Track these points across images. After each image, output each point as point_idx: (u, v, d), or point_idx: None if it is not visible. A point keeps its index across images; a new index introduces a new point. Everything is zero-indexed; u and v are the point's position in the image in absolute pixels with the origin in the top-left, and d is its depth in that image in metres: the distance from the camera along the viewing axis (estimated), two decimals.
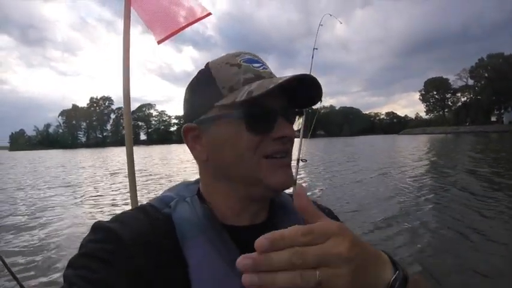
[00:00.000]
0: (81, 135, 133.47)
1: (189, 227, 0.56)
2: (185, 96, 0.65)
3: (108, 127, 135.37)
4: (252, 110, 0.56)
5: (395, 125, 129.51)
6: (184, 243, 0.54)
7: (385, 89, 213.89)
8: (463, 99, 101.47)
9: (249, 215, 0.62)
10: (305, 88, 0.59)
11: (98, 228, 0.54)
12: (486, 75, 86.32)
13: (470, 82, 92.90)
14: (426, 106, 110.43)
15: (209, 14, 1.97)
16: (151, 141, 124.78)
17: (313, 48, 3.58)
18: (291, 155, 0.61)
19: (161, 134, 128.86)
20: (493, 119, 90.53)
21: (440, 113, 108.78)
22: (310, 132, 3.57)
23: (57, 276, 4.07)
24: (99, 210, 7.93)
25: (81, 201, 9.25)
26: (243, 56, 0.61)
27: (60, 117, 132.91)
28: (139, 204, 0.67)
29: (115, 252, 0.49)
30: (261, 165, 0.57)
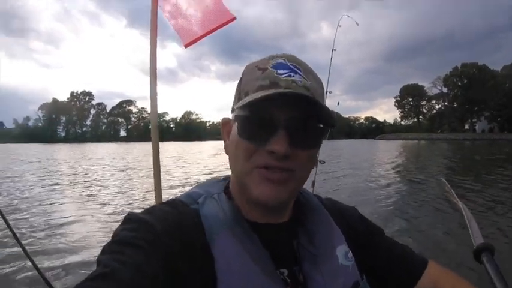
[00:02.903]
0: (60, 130, 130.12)
1: (216, 223, 0.57)
2: None
3: (88, 122, 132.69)
4: (243, 115, 0.57)
5: (374, 129, 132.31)
6: (211, 237, 0.55)
7: (367, 94, 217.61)
8: (437, 107, 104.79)
9: (266, 215, 0.63)
10: (322, 110, 0.56)
11: (130, 218, 0.56)
12: (459, 84, 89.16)
13: (446, 90, 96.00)
14: (401, 112, 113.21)
15: (234, 18, 2.01)
16: (130, 138, 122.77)
17: (332, 50, 3.41)
18: (294, 173, 0.58)
19: (141, 131, 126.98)
20: (467, 127, 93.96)
21: (415, 119, 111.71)
22: (326, 136, 3.67)
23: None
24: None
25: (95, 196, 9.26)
26: (277, 59, 0.60)
27: (39, 110, 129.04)
28: (163, 200, 0.71)
29: (148, 240, 0.51)
30: (252, 173, 0.57)
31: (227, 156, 0.64)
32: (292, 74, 0.58)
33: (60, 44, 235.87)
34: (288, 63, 0.59)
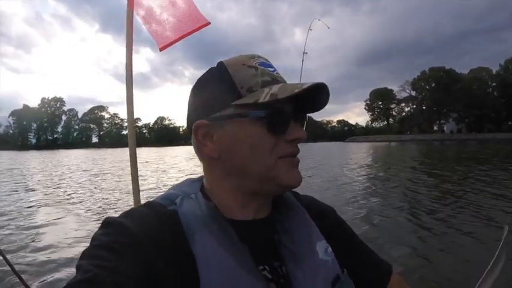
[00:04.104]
0: (31, 137, 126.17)
1: (195, 222, 0.58)
2: (193, 94, 0.67)
3: (59, 129, 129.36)
4: (273, 111, 0.58)
5: (346, 132, 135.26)
6: (191, 236, 0.56)
7: (340, 97, 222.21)
8: (406, 109, 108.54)
9: (253, 210, 0.65)
10: (312, 95, 0.62)
11: (109, 222, 0.56)
12: (427, 87, 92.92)
13: (414, 93, 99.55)
14: (371, 115, 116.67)
15: (208, 23, 2.07)
16: (103, 144, 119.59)
17: (303, 53, 3.42)
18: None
19: (113, 137, 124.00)
20: (436, 128, 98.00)
21: (385, 122, 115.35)
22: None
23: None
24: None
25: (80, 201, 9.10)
26: (258, 59, 0.64)
27: (10, 117, 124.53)
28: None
29: (126, 244, 0.51)
30: (277, 165, 0.60)
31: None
32: (277, 71, 0.64)
33: (31, 48, 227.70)
34: (268, 62, 0.65)
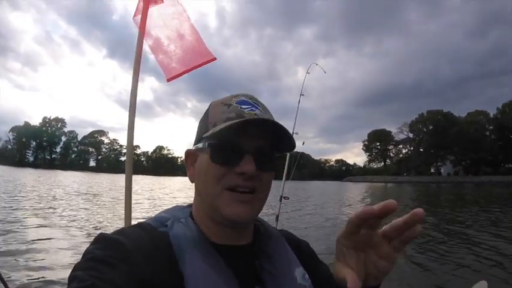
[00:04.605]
0: (29, 154, 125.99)
1: (185, 244, 0.61)
2: None
3: (58, 149, 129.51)
4: (215, 143, 0.64)
5: (343, 172, 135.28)
6: (181, 256, 0.59)
7: (340, 137, 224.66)
8: (404, 151, 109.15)
9: (232, 237, 0.68)
10: (285, 134, 0.66)
11: (102, 238, 0.58)
12: (425, 129, 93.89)
13: (412, 135, 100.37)
14: (369, 156, 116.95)
15: (214, 59, 2.13)
16: (100, 168, 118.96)
17: (300, 94, 3.71)
18: (257, 194, 0.66)
19: (111, 163, 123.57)
20: (433, 170, 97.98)
21: (382, 163, 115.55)
22: (291, 174, 3.67)
23: None
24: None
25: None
26: (240, 97, 0.69)
27: (10, 132, 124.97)
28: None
29: (120, 258, 0.53)
30: (222, 195, 0.63)
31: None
32: (253, 108, 0.67)
33: (38, 67, 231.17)
34: (249, 100, 0.69)
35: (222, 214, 0.64)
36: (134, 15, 2.13)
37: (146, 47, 2.13)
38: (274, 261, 0.69)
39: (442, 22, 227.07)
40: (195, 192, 0.72)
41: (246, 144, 0.64)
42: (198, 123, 0.75)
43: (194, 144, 0.72)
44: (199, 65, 2.13)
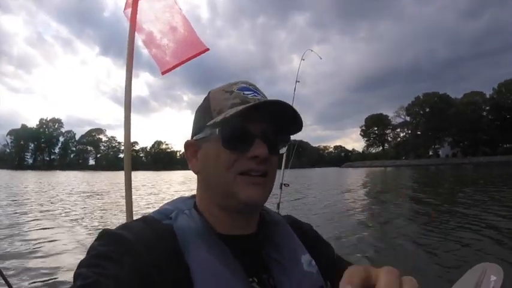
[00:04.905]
0: (28, 157, 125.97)
1: (190, 235, 0.61)
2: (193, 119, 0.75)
3: (57, 150, 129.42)
4: (226, 129, 0.63)
5: (342, 158, 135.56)
6: (186, 248, 0.59)
7: (337, 123, 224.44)
8: (402, 135, 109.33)
9: (239, 226, 0.68)
10: (288, 117, 0.66)
11: (106, 234, 0.59)
12: (421, 112, 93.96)
13: (409, 119, 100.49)
14: (367, 141, 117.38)
15: (207, 49, 2.13)
16: (99, 166, 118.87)
17: (296, 81, 3.76)
18: (269, 176, 0.67)
19: (110, 160, 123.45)
20: (431, 153, 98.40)
21: (380, 147, 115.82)
22: (290, 162, 3.68)
23: None
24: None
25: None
26: (240, 84, 0.69)
27: (8, 136, 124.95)
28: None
29: (124, 253, 0.54)
30: (236, 180, 0.63)
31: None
32: (256, 94, 0.67)
33: (31, 69, 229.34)
34: (250, 87, 0.69)
35: (239, 199, 0.63)
36: (124, 9, 2.12)
37: (139, 42, 2.12)
38: (280, 250, 0.69)
39: (437, 3, 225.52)
40: (200, 183, 0.71)
41: (256, 128, 0.64)
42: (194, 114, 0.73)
43: (194, 135, 0.71)
44: (193, 57, 2.13)
